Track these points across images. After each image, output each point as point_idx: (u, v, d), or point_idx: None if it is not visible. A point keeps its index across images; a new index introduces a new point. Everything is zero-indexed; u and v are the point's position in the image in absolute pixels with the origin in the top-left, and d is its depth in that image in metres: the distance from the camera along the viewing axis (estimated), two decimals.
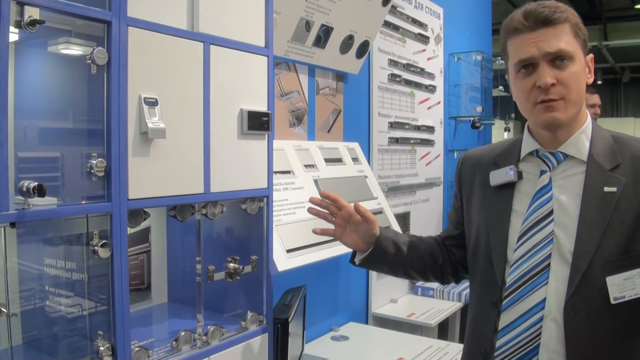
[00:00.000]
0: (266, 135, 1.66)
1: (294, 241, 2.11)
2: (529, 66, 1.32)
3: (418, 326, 3.03)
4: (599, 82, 13.21)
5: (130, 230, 1.74)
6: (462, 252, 1.57)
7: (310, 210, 1.60)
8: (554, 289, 1.31)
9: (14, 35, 1.32)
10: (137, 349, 1.37)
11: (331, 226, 1.60)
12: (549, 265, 1.33)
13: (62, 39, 1.38)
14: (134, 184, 1.31)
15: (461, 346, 2.68)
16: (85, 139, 1.33)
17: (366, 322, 3.06)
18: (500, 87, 4.92)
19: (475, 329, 1.48)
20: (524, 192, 1.41)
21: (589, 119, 1.41)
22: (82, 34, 1.35)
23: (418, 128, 3.56)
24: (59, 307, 1.38)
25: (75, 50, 1.38)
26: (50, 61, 1.43)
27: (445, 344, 2.69)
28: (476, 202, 1.51)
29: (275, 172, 2.22)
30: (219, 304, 1.73)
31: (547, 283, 1.32)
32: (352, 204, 1.56)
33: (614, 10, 10.25)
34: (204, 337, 1.52)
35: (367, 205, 2.61)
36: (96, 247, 1.25)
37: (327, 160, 2.55)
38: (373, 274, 3.08)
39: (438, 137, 3.85)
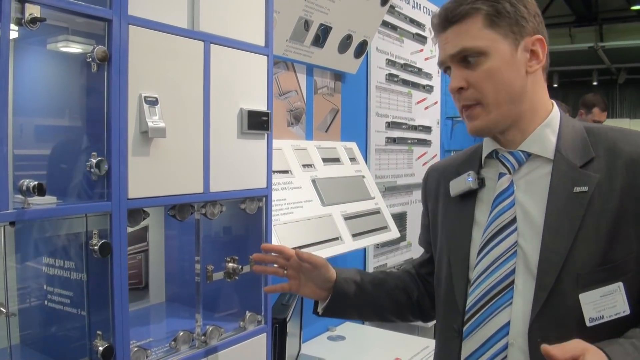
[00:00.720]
0: (266, 134, 1.65)
1: (292, 241, 2.11)
2: (448, 69, 1.20)
3: (414, 326, 3.04)
4: (595, 83, 13.27)
5: (129, 230, 1.74)
6: None
7: (255, 269, 1.45)
8: (520, 311, 1.12)
9: (13, 32, 1.32)
10: (136, 349, 1.37)
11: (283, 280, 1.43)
12: (513, 282, 1.13)
13: (62, 37, 1.38)
14: (134, 183, 1.31)
15: None
16: (85, 138, 1.33)
17: (362, 322, 3.07)
18: None
19: None
20: (486, 200, 1.23)
21: (555, 110, 1.23)
22: (82, 32, 1.35)
23: (415, 128, 3.57)
24: (57, 307, 1.38)
25: (74, 48, 1.38)
26: (49, 59, 1.43)
27: None
28: (440, 217, 1.34)
29: (273, 172, 2.22)
30: (217, 304, 1.73)
31: (511, 304, 1.12)
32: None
33: (610, 11, 10.31)
34: (203, 337, 1.52)
35: (365, 206, 2.62)
36: (95, 247, 1.25)
37: (325, 160, 2.55)
38: None
39: (435, 137, 3.86)
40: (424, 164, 3.71)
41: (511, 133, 1.19)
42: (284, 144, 2.40)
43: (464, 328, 1.18)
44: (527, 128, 1.19)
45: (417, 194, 3.65)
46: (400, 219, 3.39)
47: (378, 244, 3.05)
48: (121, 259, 1.29)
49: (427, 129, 3.73)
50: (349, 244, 2.36)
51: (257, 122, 1.60)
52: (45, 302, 1.41)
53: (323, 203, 2.36)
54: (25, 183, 1.13)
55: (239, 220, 1.71)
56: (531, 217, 1.15)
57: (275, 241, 2.01)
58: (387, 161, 3.29)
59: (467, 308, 1.18)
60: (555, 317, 1.09)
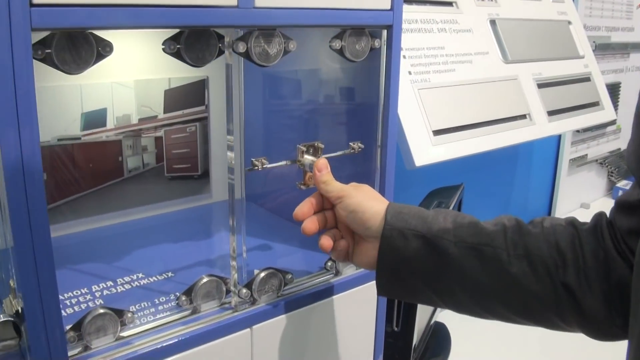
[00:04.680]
0: None
1: (447, 117, 1.26)
2: None
3: None
4: None
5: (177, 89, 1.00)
6: None
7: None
8: None
9: None
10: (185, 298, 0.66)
11: None
12: None
13: None
14: None
15: None
16: None
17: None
18: None
19: None
20: None
21: None
22: None
23: None
24: None
25: None
26: None
27: None
28: None
29: (427, 2, 1.34)
30: None
31: None
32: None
33: None
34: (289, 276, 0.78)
35: (569, 68, 1.66)
36: None
37: None
38: (562, 168, 2.15)
39: None
40: None
41: None
42: None
43: None
44: None
45: (636, 58, 2.54)
46: (610, 92, 2.33)
47: (580, 129, 2.08)
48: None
49: None
50: (542, 127, 1.45)
51: None
52: None
53: (506, 59, 1.44)
54: None
55: (333, 70, 0.89)
56: None
57: (418, 116, 1.17)
58: (601, 5, 2.21)
59: None
60: None
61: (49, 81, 0.88)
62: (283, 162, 0.78)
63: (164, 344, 0.70)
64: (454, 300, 0.68)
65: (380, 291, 0.72)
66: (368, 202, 0.70)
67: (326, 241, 0.73)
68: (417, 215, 0.67)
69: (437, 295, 0.68)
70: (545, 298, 0.63)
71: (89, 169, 0.97)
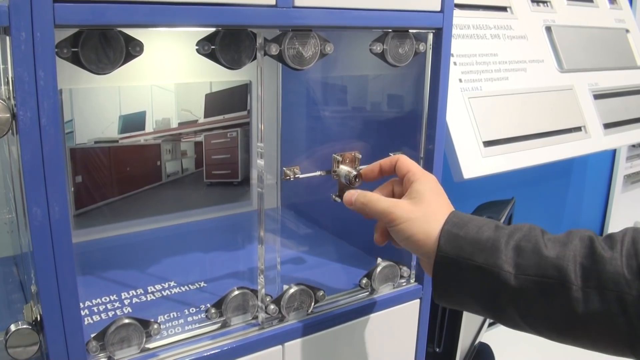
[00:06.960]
0: None
1: (499, 127, 1.19)
2: None
3: None
4: None
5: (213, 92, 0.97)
6: None
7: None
8: None
9: None
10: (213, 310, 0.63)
11: None
12: None
13: None
14: None
15: None
16: None
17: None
18: None
19: None
20: None
21: None
22: None
23: None
24: None
25: None
26: None
27: None
28: None
29: (479, 7, 1.27)
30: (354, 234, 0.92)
31: None
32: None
33: None
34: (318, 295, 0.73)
35: (627, 79, 1.56)
36: None
37: None
38: (616, 184, 2.03)
39: None
40: None
41: None
42: None
43: None
44: None
45: None
46: None
47: (636, 144, 1.96)
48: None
49: None
50: (598, 140, 1.36)
51: None
52: None
53: (561, 67, 1.36)
54: None
55: (387, 82, 0.83)
56: None
57: (466, 125, 1.11)
58: None
59: None
60: None
61: (86, 83, 0.86)
62: (317, 173, 0.73)
63: (190, 358, 0.65)
64: (517, 328, 0.60)
65: (436, 297, 0.64)
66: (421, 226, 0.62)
67: (380, 237, 0.69)
68: (474, 241, 0.59)
69: (499, 321, 0.60)
70: (619, 338, 0.54)
71: (126, 172, 0.94)
